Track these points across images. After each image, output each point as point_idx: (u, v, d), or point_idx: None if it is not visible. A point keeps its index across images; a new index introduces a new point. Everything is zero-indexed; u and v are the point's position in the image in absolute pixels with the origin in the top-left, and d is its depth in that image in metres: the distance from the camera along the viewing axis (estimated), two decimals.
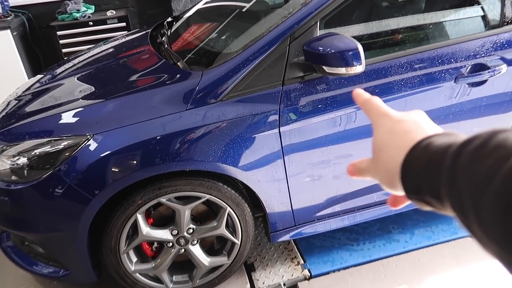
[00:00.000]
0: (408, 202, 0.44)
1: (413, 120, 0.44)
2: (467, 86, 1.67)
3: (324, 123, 1.56)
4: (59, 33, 3.44)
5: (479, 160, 0.32)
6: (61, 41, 3.46)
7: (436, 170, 0.36)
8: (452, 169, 0.35)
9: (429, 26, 1.79)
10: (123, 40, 2.32)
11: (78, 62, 2.10)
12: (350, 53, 1.39)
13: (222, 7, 2.33)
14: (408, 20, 1.79)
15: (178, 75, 1.63)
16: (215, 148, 1.48)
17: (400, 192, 0.42)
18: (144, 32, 2.26)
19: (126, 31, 3.54)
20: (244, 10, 2.10)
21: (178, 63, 1.69)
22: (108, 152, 1.42)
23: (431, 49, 1.64)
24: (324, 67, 1.43)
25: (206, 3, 2.38)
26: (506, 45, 1.68)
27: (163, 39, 2.05)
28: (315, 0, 1.53)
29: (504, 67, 1.67)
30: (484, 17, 1.77)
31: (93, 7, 3.61)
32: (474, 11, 1.79)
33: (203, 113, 1.48)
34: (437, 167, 0.36)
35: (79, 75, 1.91)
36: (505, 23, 1.70)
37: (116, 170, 1.44)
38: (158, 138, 1.44)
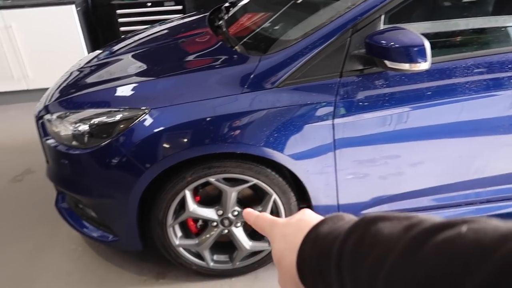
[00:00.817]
0: None
1: (298, 219, 0.43)
2: None
3: (379, 120, 1.52)
4: (118, 11, 3.56)
5: (359, 262, 0.32)
6: (120, 20, 3.58)
7: (327, 272, 0.35)
8: (339, 273, 0.33)
9: (500, 29, 1.70)
10: (181, 21, 2.36)
11: (138, 39, 2.17)
12: (415, 49, 1.34)
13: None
14: (478, 22, 1.71)
15: (236, 58, 1.65)
16: (267, 134, 1.48)
17: None
18: (202, 15, 2.29)
19: (182, 14, 3.61)
20: (302, 0, 2.08)
21: (236, 47, 1.71)
22: (162, 128, 1.46)
23: (501, 53, 1.55)
24: (386, 61, 1.39)
25: None
26: None
27: (221, 22, 2.07)
28: None
29: None
30: None
31: None
32: None
33: (259, 98, 1.49)
34: (327, 268, 0.35)
35: (138, 52, 1.97)
36: None
37: (168, 146, 1.48)
38: (211, 118, 1.46)
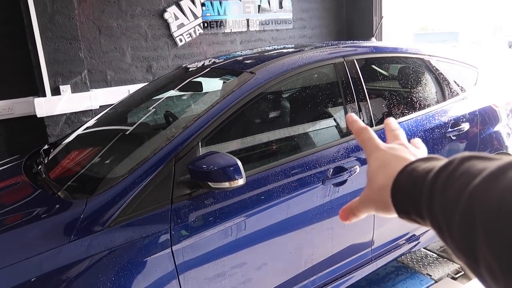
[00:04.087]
0: (357, 218, 0.54)
1: (398, 155, 0.51)
2: (333, 186, 1.93)
3: (215, 236, 1.61)
4: None
5: (449, 185, 0.39)
6: None
7: (418, 194, 0.43)
8: (430, 194, 0.41)
9: (295, 138, 2.10)
10: None
11: None
12: (231, 168, 1.53)
13: (103, 131, 2.36)
14: (278, 134, 2.08)
15: (58, 205, 1.56)
16: (104, 280, 1.38)
17: (392, 214, 0.49)
18: (18, 161, 2.13)
19: None
20: (127, 133, 2.17)
21: (59, 193, 1.62)
22: None
23: (299, 157, 1.89)
24: (209, 183, 1.54)
25: (86, 128, 2.40)
26: (355, 149, 2.04)
27: (40, 168, 1.96)
28: (196, 123, 1.70)
29: (358, 167, 2.00)
30: (336, 128, 2.16)
31: None
32: (328, 123, 2.18)
33: (89, 243, 1.41)
34: (419, 192, 0.43)
35: None
36: (351, 132, 2.09)
37: None
38: (33, 280, 1.29)
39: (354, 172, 1.98)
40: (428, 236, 2.45)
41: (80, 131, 2.37)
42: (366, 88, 2.20)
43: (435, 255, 2.68)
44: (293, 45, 2.74)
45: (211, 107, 1.78)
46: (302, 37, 5.32)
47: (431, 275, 2.45)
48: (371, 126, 2.15)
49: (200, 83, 2.38)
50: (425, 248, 2.73)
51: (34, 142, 3.49)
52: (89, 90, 3.74)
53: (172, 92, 2.45)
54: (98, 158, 1.94)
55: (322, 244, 1.96)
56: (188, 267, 1.55)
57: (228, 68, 2.28)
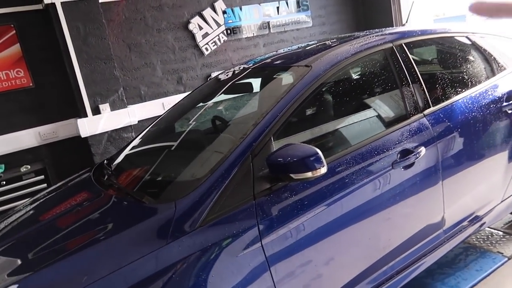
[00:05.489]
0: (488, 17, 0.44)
1: None
2: (402, 169, 1.92)
3: (300, 226, 1.61)
4: None
5: None
6: None
7: None
8: None
9: (360, 125, 2.09)
10: (60, 190, 2.19)
11: (8, 225, 1.89)
12: (311, 158, 1.54)
13: (162, 140, 2.40)
14: (342, 122, 2.08)
15: (146, 211, 1.58)
16: (204, 278, 1.40)
17: None
18: (85, 176, 2.17)
19: (46, 184, 3.34)
20: (190, 138, 2.20)
21: (143, 199, 1.65)
22: None
23: (367, 143, 1.89)
24: (291, 175, 1.54)
25: (133, 148, 2.40)
26: (417, 131, 2.03)
27: (112, 179, 2.00)
28: (265, 119, 1.72)
29: (423, 149, 1.99)
30: (396, 111, 2.15)
31: (3, 165, 3.38)
32: (388, 108, 2.17)
33: (186, 244, 1.43)
34: None
35: (21, 236, 1.71)
36: (411, 115, 2.08)
37: None
38: (139, 282, 1.31)
39: (420, 155, 1.97)
40: (493, 215, 2.42)
41: (136, 143, 2.41)
42: (418, 70, 2.19)
43: (501, 233, 2.63)
44: (334, 39, 2.75)
45: (276, 102, 1.80)
46: (322, 34, 5.34)
47: (502, 253, 2.41)
48: (428, 107, 2.14)
49: (250, 84, 2.41)
50: (488, 227, 2.68)
51: (80, 163, 3.57)
52: (126, 107, 3.81)
53: (223, 96, 2.48)
54: (168, 164, 1.97)
55: (398, 227, 1.95)
56: (278, 259, 1.55)
57: (279, 66, 2.30)
